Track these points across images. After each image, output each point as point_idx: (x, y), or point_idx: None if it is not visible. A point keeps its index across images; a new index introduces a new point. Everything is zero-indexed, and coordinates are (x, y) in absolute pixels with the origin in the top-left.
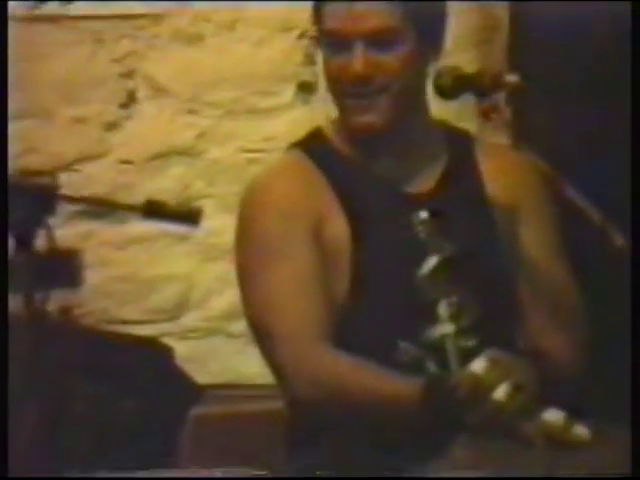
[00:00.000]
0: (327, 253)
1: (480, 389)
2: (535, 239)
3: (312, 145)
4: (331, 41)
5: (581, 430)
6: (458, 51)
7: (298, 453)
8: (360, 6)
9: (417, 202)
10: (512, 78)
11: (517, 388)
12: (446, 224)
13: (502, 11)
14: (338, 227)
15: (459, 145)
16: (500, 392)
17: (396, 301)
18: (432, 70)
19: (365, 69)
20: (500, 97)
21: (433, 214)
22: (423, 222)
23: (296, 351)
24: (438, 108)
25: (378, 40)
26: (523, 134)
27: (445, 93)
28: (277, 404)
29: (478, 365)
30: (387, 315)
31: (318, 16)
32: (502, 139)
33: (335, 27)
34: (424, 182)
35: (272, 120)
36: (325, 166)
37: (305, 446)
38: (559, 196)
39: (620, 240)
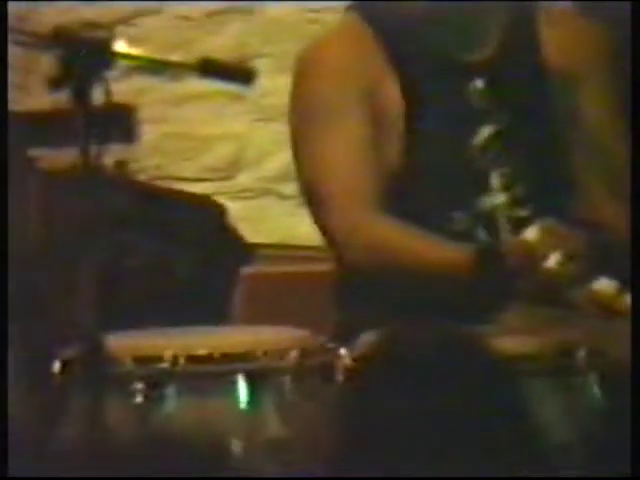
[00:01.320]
0: (380, 118)
1: (532, 256)
2: (596, 110)
3: (370, 7)
4: None
5: (627, 299)
6: None
7: (345, 314)
8: None
9: (473, 70)
10: None
11: (570, 257)
12: (502, 94)
13: None
14: (392, 92)
15: (522, 10)
16: (552, 260)
17: (449, 170)
18: None
19: None
20: None
21: (489, 83)
22: (478, 91)
23: (348, 216)
24: None
25: None
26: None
27: None
28: (326, 266)
29: (531, 233)
30: (440, 184)
31: None
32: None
33: None
34: (481, 50)
35: None
36: (382, 30)
37: (353, 308)
38: (624, 69)
39: None
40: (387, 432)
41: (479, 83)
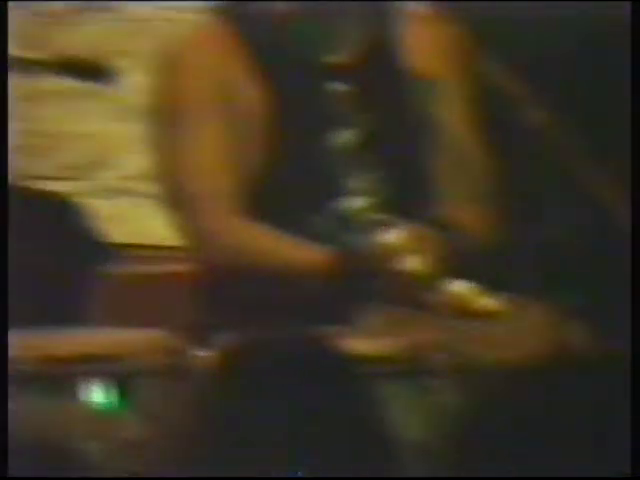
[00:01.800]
0: (243, 121)
1: (393, 258)
2: (454, 113)
3: (235, 8)
4: None
5: (490, 302)
6: None
7: (204, 315)
8: None
9: (335, 73)
10: None
11: (430, 259)
12: (364, 97)
13: None
14: (254, 94)
15: (383, 13)
16: (413, 261)
17: (311, 173)
18: None
19: None
20: None
21: (350, 86)
22: (340, 94)
23: (211, 218)
24: None
25: None
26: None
27: None
28: (187, 267)
29: (392, 235)
30: (301, 187)
31: None
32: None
33: None
34: (343, 52)
35: None
36: (246, 31)
37: (212, 309)
38: (482, 70)
39: (538, 116)
40: (245, 431)
41: (340, 86)
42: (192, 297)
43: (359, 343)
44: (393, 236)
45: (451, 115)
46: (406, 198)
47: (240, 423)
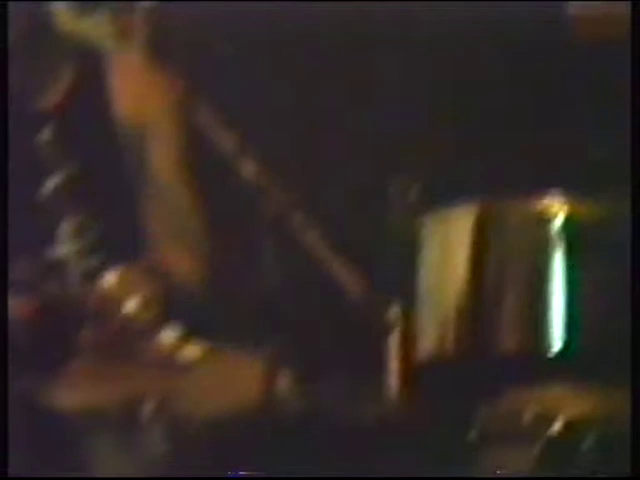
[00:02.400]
0: None
1: (109, 302)
2: (161, 159)
3: None
4: None
5: (194, 350)
6: None
7: None
8: None
9: (42, 118)
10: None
11: (147, 302)
12: (70, 142)
13: None
14: None
15: (89, 58)
16: (130, 305)
17: (19, 222)
18: None
19: None
20: (138, 15)
21: (56, 132)
22: (46, 141)
23: None
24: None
25: None
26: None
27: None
28: None
29: (107, 279)
30: (13, 235)
31: None
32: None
33: None
34: (51, 97)
35: None
36: None
37: None
38: (194, 120)
39: (249, 168)
40: None
41: (46, 133)
42: None
43: (66, 396)
44: (111, 279)
45: (158, 161)
46: (117, 243)
47: None
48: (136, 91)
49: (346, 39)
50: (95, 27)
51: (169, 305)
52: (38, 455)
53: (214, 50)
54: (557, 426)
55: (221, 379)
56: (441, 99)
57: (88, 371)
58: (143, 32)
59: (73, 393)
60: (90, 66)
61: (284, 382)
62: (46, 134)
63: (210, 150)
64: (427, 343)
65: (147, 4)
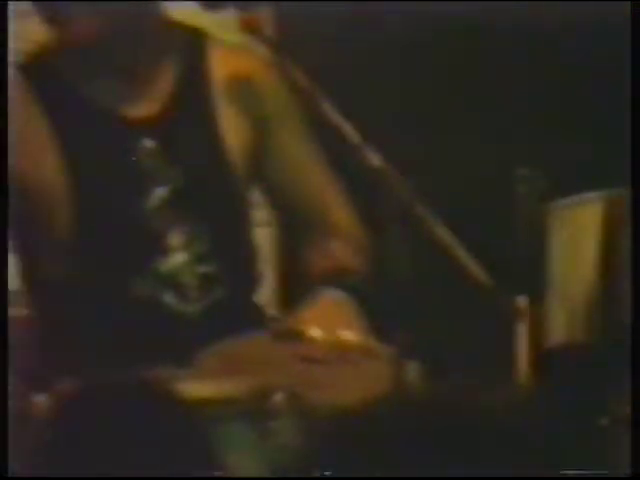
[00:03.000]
0: (36, 196)
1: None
2: (284, 158)
3: (33, 66)
4: None
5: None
6: None
7: (44, 360)
8: None
9: (141, 128)
10: None
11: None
12: (173, 151)
13: None
14: (50, 166)
15: (193, 56)
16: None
17: (123, 236)
18: None
19: None
20: (263, 11)
21: (158, 142)
22: (148, 151)
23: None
24: (200, 20)
25: None
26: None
27: (207, 4)
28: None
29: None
30: (117, 250)
31: None
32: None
33: None
34: (149, 105)
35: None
36: (42, 93)
37: (50, 353)
38: (315, 112)
39: (375, 160)
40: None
41: (148, 142)
42: (31, 341)
43: (197, 386)
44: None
45: (279, 162)
46: (228, 249)
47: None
48: (245, 85)
49: (470, 40)
50: (221, 22)
51: None
52: (170, 444)
53: (336, 45)
54: None
55: (350, 370)
56: (565, 92)
57: (221, 361)
58: (268, 27)
59: (204, 382)
60: (193, 71)
61: (414, 371)
62: (147, 144)
63: (335, 144)
64: (556, 330)
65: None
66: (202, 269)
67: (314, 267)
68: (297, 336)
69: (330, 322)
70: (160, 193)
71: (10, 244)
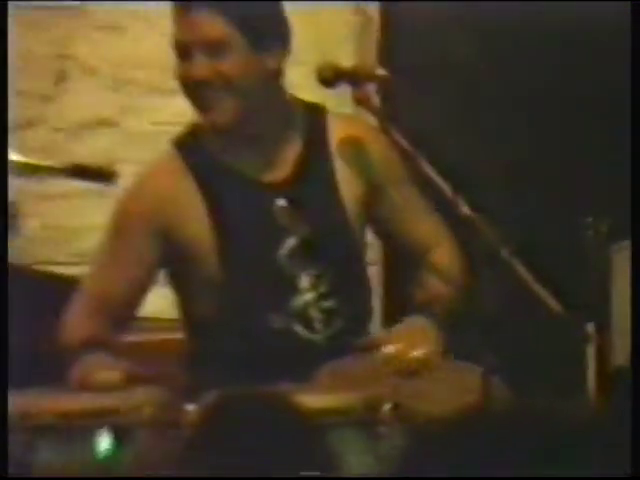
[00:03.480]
0: (189, 246)
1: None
2: (391, 207)
3: (186, 143)
4: (177, 49)
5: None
6: (334, 44)
7: (193, 376)
8: (196, 18)
9: (275, 190)
10: (381, 72)
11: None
12: (301, 208)
13: (374, 10)
14: (200, 222)
15: (314, 126)
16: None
17: (262, 279)
18: (284, 67)
19: (202, 74)
20: (371, 87)
21: (289, 201)
22: (280, 209)
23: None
24: (320, 96)
25: (213, 49)
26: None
27: (326, 83)
28: (177, 335)
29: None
30: (256, 292)
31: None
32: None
33: (178, 37)
34: (280, 170)
35: (177, 99)
36: (193, 164)
37: (199, 370)
38: (418, 173)
39: (465, 210)
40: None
41: (280, 202)
42: (184, 360)
43: (314, 398)
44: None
45: (389, 215)
46: (346, 289)
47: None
48: (359, 151)
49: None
50: (337, 97)
51: None
52: (297, 447)
53: (432, 110)
54: None
55: (446, 384)
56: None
57: (335, 377)
58: (375, 100)
59: (320, 395)
60: (315, 139)
61: (499, 387)
62: (279, 203)
63: (432, 195)
64: (621, 353)
65: (382, 74)
66: (325, 305)
67: (413, 299)
68: (381, 350)
69: (412, 342)
70: (291, 243)
71: (168, 282)
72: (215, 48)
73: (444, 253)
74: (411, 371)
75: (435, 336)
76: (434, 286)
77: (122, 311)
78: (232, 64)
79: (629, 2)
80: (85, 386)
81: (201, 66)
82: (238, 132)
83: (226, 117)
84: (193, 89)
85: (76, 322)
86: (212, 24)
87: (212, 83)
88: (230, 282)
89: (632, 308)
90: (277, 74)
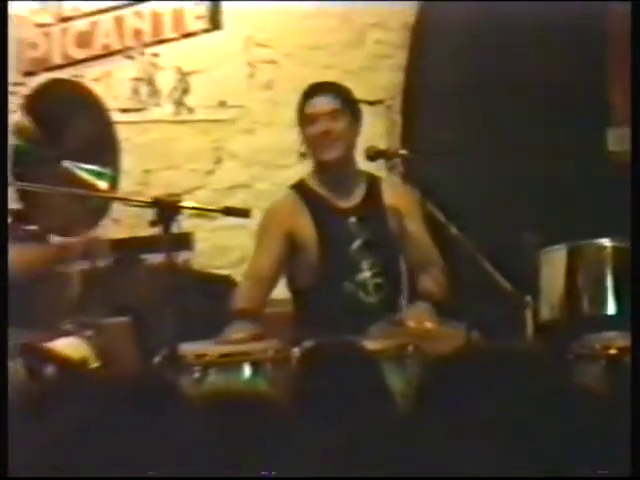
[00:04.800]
0: (302, 243)
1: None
2: (413, 231)
3: (299, 188)
4: (307, 120)
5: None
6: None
7: (296, 330)
8: (319, 99)
9: (349, 212)
10: (403, 151)
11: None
12: (365, 223)
13: None
14: (308, 229)
15: (373, 180)
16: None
17: (341, 263)
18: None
19: (324, 130)
20: (397, 161)
21: (357, 219)
22: (352, 223)
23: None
24: (367, 165)
25: (330, 116)
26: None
27: (370, 158)
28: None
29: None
30: (337, 271)
31: (299, 108)
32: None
33: (309, 111)
34: (352, 201)
35: (292, 170)
36: (302, 196)
37: (302, 327)
38: (428, 211)
39: (453, 230)
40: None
41: (352, 219)
42: (290, 320)
43: (372, 344)
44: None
45: (412, 232)
46: (391, 273)
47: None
48: (397, 196)
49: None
50: (378, 166)
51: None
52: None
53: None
54: None
55: (444, 336)
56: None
57: (383, 331)
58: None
59: (375, 342)
60: (374, 183)
61: (475, 336)
62: (352, 220)
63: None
64: (546, 313)
65: (404, 153)
66: (376, 281)
67: (419, 291)
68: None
69: (421, 318)
70: (358, 243)
71: (284, 273)
72: (331, 116)
73: (436, 267)
74: (422, 335)
75: (433, 314)
76: (430, 285)
77: (267, 289)
78: (341, 125)
79: (629, 2)
80: (230, 340)
81: (323, 126)
82: (335, 172)
83: (335, 156)
84: (315, 140)
85: (240, 295)
86: (329, 103)
87: (330, 135)
88: (322, 265)
89: (632, 308)
90: (358, 137)
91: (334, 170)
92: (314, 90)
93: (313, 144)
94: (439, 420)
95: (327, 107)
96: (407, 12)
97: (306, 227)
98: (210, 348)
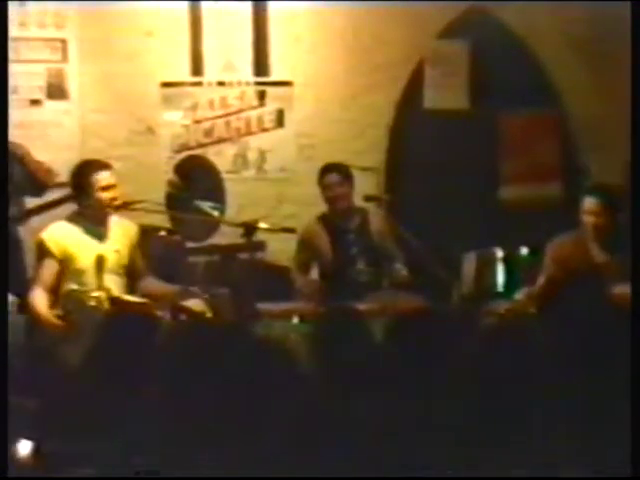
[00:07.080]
0: (319, 250)
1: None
2: (389, 243)
3: (322, 220)
4: (324, 187)
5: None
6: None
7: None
8: (330, 177)
9: (349, 231)
10: (385, 196)
11: None
12: (360, 237)
13: None
14: (325, 239)
15: (364, 213)
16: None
17: (345, 261)
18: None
19: (338, 194)
20: (382, 201)
21: (355, 235)
22: (351, 237)
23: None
24: (363, 204)
25: (339, 185)
26: (390, 213)
27: (366, 200)
28: None
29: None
30: (344, 265)
31: (319, 178)
32: (380, 212)
33: (325, 183)
34: (351, 224)
35: (319, 208)
36: (323, 222)
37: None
38: (399, 231)
39: (424, 251)
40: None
41: (352, 235)
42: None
43: (367, 307)
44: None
45: (389, 242)
46: (375, 265)
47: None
48: (379, 224)
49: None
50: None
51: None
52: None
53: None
54: None
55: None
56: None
57: (380, 298)
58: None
59: (374, 306)
60: (363, 215)
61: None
62: (351, 236)
63: (407, 241)
64: (464, 290)
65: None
66: (367, 270)
67: (392, 273)
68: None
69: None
70: (355, 250)
71: (314, 265)
72: (340, 185)
73: (401, 262)
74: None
75: (400, 289)
76: (399, 273)
77: (304, 273)
78: (345, 190)
79: (629, 2)
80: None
81: (334, 190)
82: (340, 212)
83: (340, 207)
84: (329, 199)
85: (294, 278)
86: (336, 177)
87: (337, 197)
88: (335, 261)
89: (632, 308)
90: (353, 191)
91: (340, 212)
92: (328, 168)
93: (328, 200)
94: (413, 358)
95: (334, 180)
96: None
97: (324, 238)
98: (274, 307)
